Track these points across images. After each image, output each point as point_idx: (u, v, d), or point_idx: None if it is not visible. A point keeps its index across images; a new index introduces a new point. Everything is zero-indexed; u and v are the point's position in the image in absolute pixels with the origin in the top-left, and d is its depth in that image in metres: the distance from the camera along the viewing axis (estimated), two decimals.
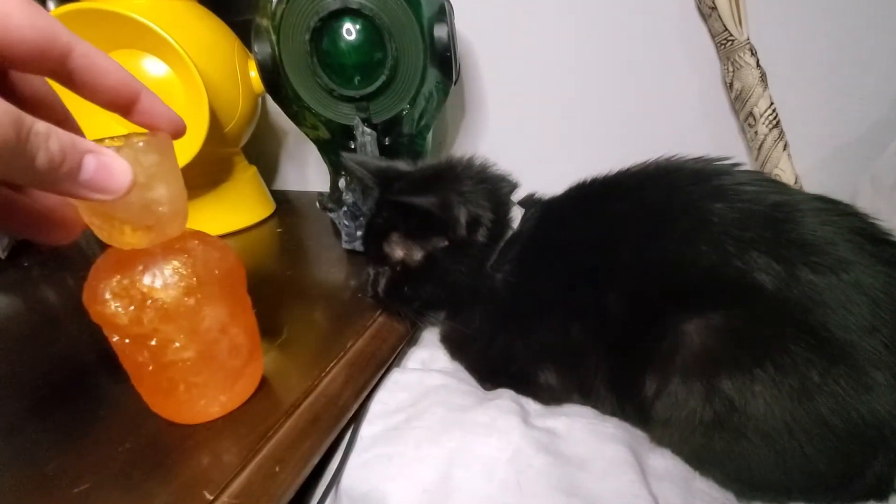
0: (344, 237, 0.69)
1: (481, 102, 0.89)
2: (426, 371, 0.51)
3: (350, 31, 0.67)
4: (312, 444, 0.40)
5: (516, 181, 0.51)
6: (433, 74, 0.70)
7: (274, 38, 0.67)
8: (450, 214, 0.44)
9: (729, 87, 0.71)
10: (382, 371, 0.50)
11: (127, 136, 0.30)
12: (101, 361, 0.50)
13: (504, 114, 0.89)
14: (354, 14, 0.65)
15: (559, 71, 0.83)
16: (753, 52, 0.68)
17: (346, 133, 0.72)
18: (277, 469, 0.37)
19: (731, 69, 0.70)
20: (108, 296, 0.33)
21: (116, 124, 0.70)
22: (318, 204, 0.71)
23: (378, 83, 0.67)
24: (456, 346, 0.54)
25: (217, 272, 0.37)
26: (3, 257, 0.78)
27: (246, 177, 0.88)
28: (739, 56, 0.68)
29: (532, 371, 0.47)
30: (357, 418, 0.46)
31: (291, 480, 0.38)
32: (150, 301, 0.34)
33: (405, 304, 0.51)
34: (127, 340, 0.35)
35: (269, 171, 1.11)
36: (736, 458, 0.37)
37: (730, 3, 0.66)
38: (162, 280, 0.34)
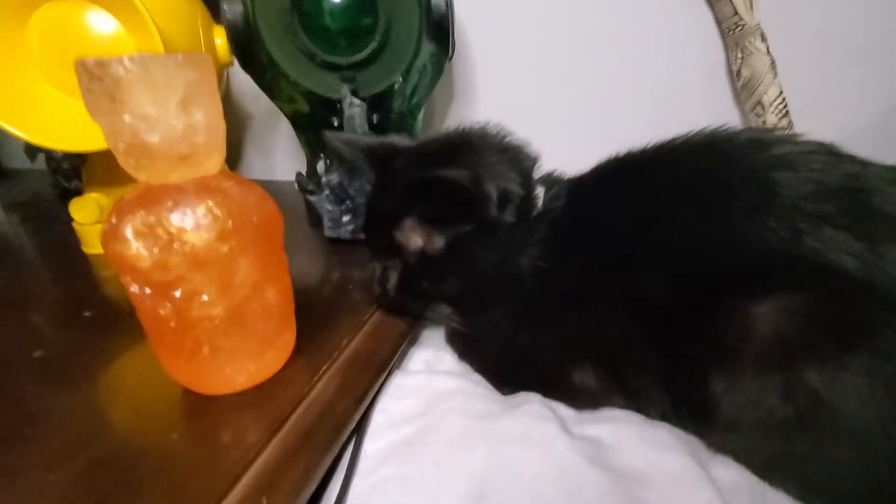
0: (327, 223, 0.60)
1: (472, 86, 0.83)
2: (434, 373, 0.44)
3: None
4: (307, 465, 0.31)
5: (537, 153, 0.45)
6: (428, 47, 0.64)
7: None
8: (480, 190, 0.37)
9: (737, 75, 0.69)
10: (385, 374, 0.42)
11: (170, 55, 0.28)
12: (30, 367, 0.40)
13: (496, 99, 0.84)
14: None
15: (555, 57, 0.79)
16: (764, 38, 0.65)
17: (329, 107, 0.64)
18: (264, 501, 0.28)
19: (739, 55, 0.67)
20: (129, 234, 0.29)
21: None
22: (296, 185, 0.62)
23: (368, 50, 0.60)
24: (466, 345, 0.46)
25: (255, 219, 0.32)
26: None
27: None
28: (749, 42, 0.65)
29: (565, 370, 0.40)
30: (360, 431, 0.38)
31: None
32: (178, 243, 0.29)
33: (420, 302, 0.43)
34: (148, 290, 0.30)
35: (231, 158, 1.00)
36: (820, 464, 0.31)
37: None
38: (193, 220, 0.30)
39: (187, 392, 0.35)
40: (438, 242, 0.40)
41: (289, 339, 0.38)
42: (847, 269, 0.31)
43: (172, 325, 0.31)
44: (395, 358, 0.44)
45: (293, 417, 0.33)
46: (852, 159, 0.35)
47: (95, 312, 0.48)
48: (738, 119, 0.74)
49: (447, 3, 0.62)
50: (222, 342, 0.32)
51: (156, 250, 0.29)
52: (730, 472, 0.34)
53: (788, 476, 0.33)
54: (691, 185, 0.37)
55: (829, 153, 0.35)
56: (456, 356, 0.47)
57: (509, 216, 0.40)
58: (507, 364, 0.43)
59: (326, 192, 0.61)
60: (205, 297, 0.31)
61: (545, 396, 0.40)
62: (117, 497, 0.28)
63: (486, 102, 0.84)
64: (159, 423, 0.34)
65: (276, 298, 0.35)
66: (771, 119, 0.67)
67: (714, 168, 0.36)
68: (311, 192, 0.62)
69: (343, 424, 0.35)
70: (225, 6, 0.60)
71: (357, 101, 0.59)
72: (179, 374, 0.34)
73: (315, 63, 0.61)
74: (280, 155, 0.99)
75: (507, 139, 0.44)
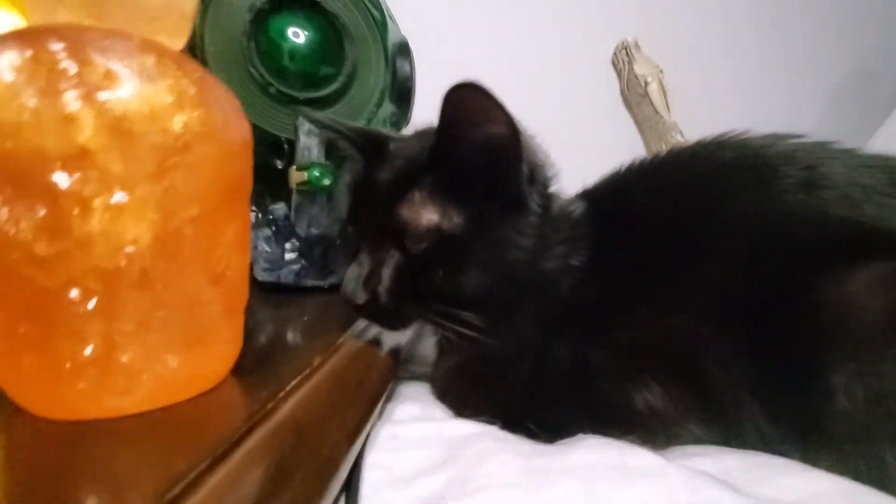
0: (262, 265, 0.47)
1: None
2: (441, 420, 0.31)
3: (297, 34, 0.57)
4: None
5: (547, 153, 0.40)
6: (389, 106, 0.62)
7: (199, 14, 0.53)
8: (520, 148, 0.30)
9: None
10: (377, 410, 0.28)
11: None
12: None
13: None
14: (310, 10, 0.55)
15: None
16: (681, 133, 0.74)
17: (275, 149, 0.56)
18: None
19: (664, 146, 0.75)
20: (4, 59, 0.16)
21: None
22: None
23: (331, 88, 0.55)
24: (472, 387, 0.34)
25: (228, 119, 0.21)
26: None
27: None
28: (671, 135, 0.74)
29: (622, 392, 0.30)
30: (349, 495, 0.22)
31: None
32: (94, 92, 0.17)
33: (422, 308, 0.32)
34: None
35: None
36: None
37: (659, 91, 0.75)
38: (136, 65, 0.18)
39: (23, 416, 0.19)
40: (457, 218, 0.31)
41: (233, 336, 0.24)
42: None
43: (39, 247, 0.17)
44: (385, 397, 0.30)
45: (249, 443, 0.18)
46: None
47: None
48: None
49: (411, 67, 0.63)
50: (130, 295, 0.18)
51: (48, 99, 0.16)
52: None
53: None
54: (731, 170, 0.34)
55: (830, 144, 0.36)
56: (452, 413, 0.34)
57: (535, 201, 0.33)
58: (537, 399, 0.32)
59: (266, 231, 0.49)
60: (119, 198, 0.18)
61: (599, 433, 0.29)
62: None
63: None
64: None
65: (234, 254, 0.22)
66: None
67: (746, 154, 0.35)
68: None
69: (335, 464, 0.20)
70: None
71: (316, 130, 0.52)
72: (11, 371, 0.18)
73: (267, 94, 0.54)
74: None
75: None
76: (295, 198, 0.52)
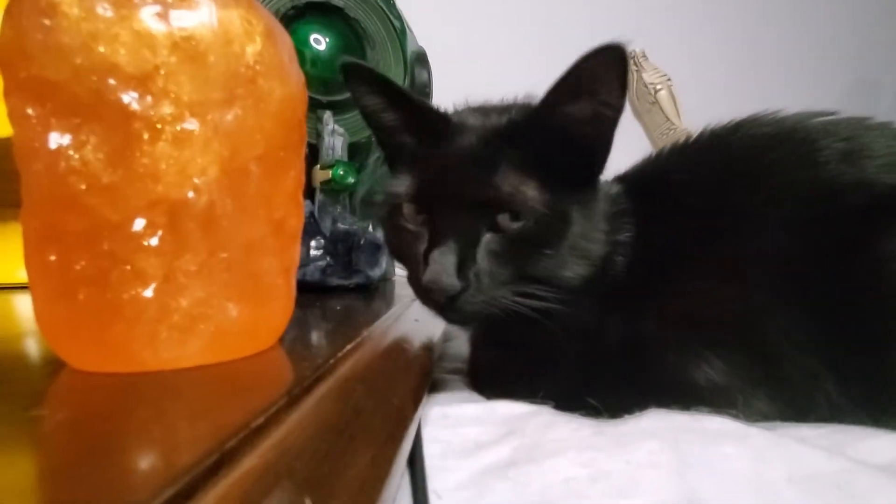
0: None
1: None
2: (488, 402, 0.29)
3: (319, 41, 0.58)
4: (374, 458, 0.15)
5: None
6: None
7: None
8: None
9: None
10: (429, 381, 0.26)
11: None
12: None
13: None
14: (332, 15, 0.56)
15: None
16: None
17: None
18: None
19: None
20: None
21: None
22: None
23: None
24: (522, 372, 0.32)
25: (292, 60, 0.22)
26: None
27: None
28: None
29: (681, 368, 0.28)
30: (414, 463, 0.21)
31: None
32: (171, 12, 0.16)
33: (510, 290, 0.29)
34: (47, 109, 0.16)
35: None
36: None
37: (669, 98, 0.76)
38: None
39: (67, 372, 0.17)
40: (550, 195, 0.29)
41: (288, 296, 0.23)
42: None
43: (105, 174, 0.16)
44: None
45: (322, 388, 0.17)
46: None
47: None
48: None
49: (429, 75, 0.64)
50: (195, 232, 0.17)
51: (126, 4, 0.16)
52: None
53: None
54: (774, 144, 0.34)
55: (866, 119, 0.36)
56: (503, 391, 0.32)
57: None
58: (594, 377, 0.30)
59: None
60: (189, 125, 0.17)
61: (662, 406, 0.27)
62: None
63: None
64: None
65: (291, 208, 0.21)
66: None
67: (785, 129, 0.35)
68: None
69: (406, 416, 0.19)
70: None
71: (340, 129, 0.52)
72: (56, 315, 0.17)
73: None
74: None
75: None
76: (318, 197, 0.51)
